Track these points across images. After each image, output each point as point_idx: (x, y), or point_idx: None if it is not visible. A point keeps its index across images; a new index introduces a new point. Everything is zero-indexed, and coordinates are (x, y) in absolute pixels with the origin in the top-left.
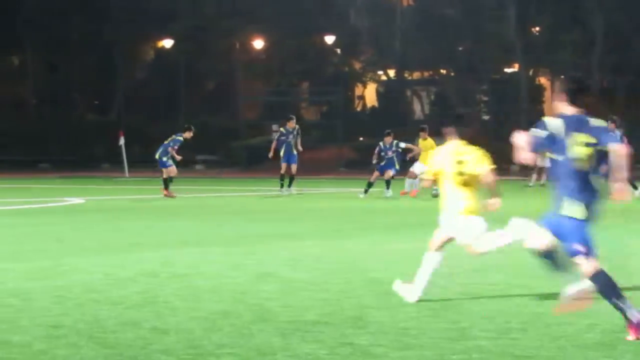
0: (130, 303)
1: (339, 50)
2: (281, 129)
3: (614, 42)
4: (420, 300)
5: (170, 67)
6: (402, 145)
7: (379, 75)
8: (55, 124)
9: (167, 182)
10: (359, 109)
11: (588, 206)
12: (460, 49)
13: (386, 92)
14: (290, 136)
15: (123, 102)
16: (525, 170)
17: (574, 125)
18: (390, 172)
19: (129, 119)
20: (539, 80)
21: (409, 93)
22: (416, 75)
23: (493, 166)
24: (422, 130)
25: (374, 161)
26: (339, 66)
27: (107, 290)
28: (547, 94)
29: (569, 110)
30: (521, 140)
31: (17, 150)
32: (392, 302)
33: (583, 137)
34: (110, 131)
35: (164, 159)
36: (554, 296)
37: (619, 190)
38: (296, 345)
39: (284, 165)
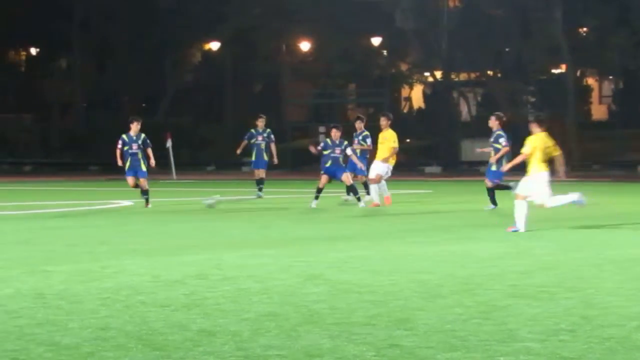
0: (178, 305)
1: (385, 52)
2: (252, 130)
3: None
4: (468, 302)
5: (218, 69)
6: (348, 151)
7: (426, 77)
8: (104, 126)
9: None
10: (405, 110)
11: None
12: (507, 49)
13: (433, 93)
14: (260, 137)
15: (170, 105)
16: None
17: None
18: (345, 175)
19: (176, 121)
20: (587, 81)
21: (455, 94)
22: (463, 76)
23: None
24: (386, 116)
25: (314, 150)
26: (385, 68)
27: (154, 293)
28: (595, 94)
29: None
30: None
31: (68, 153)
32: (440, 303)
33: None
34: (157, 133)
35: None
36: (602, 298)
37: None
38: (344, 347)
39: (255, 171)
